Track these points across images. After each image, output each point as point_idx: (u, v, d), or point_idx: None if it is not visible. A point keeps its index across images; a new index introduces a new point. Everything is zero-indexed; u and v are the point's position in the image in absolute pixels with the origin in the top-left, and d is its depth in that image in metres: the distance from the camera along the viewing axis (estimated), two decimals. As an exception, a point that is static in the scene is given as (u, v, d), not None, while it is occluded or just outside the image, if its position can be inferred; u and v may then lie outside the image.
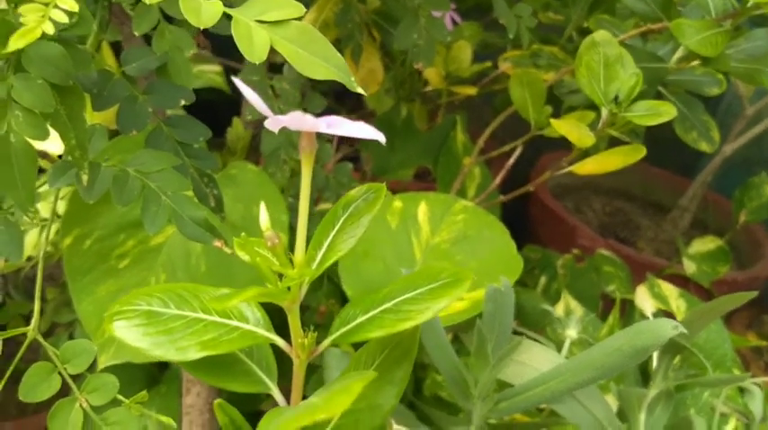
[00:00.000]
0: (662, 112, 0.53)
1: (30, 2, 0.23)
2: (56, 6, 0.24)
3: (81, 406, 0.37)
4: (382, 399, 0.33)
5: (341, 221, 0.32)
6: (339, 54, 0.28)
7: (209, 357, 0.30)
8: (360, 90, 0.29)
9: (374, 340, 0.34)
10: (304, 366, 0.33)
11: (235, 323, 0.32)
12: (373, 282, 0.55)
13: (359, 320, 0.31)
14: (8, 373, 0.40)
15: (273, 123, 0.27)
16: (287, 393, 0.35)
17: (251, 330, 0.32)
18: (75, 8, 0.24)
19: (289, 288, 0.29)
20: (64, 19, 0.24)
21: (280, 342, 0.32)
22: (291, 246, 0.46)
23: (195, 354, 0.30)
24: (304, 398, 0.35)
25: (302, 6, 0.28)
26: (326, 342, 0.32)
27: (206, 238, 0.38)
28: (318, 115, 0.61)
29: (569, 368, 0.48)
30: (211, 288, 0.33)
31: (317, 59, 0.28)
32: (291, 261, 0.30)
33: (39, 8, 0.23)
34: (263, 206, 0.29)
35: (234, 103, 0.76)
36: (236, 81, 0.27)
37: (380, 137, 0.26)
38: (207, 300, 0.32)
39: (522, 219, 1.12)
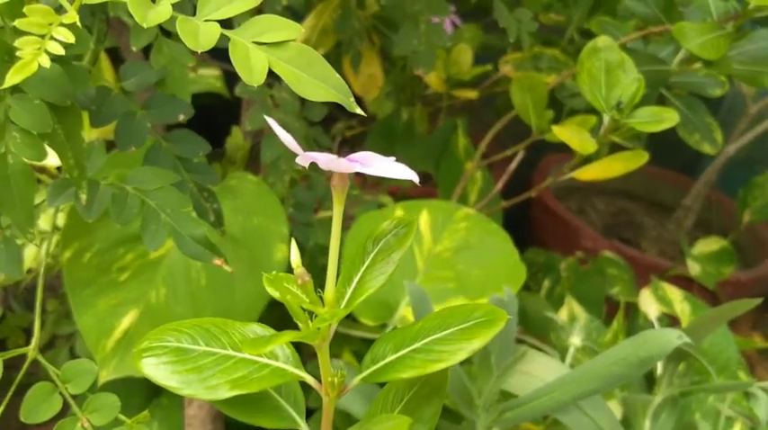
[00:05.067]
0: (664, 119, 0.52)
1: (26, 34, 0.23)
2: (52, 38, 0.23)
3: (83, 426, 0.37)
4: (413, 439, 0.32)
5: (370, 257, 0.32)
6: (338, 75, 0.28)
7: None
8: (359, 111, 0.28)
9: (403, 376, 0.33)
10: (333, 404, 0.32)
11: (265, 360, 0.31)
12: (375, 293, 0.55)
13: (389, 359, 0.30)
14: (11, 391, 0.40)
15: (305, 160, 0.26)
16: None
17: (281, 367, 0.31)
18: (72, 40, 0.23)
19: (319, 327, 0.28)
20: (60, 51, 0.23)
21: (310, 380, 0.32)
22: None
23: (225, 393, 0.29)
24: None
25: (300, 27, 0.28)
26: (356, 380, 0.31)
27: (206, 256, 0.38)
28: (319, 124, 0.60)
29: (574, 378, 0.47)
30: (240, 323, 0.32)
31: (317, 81, 0.27)
32: (321, 298, 0.29)
33: (35, 40, 0.23)
34: (293, 246, 0.29)
35: (232, 107, 0.75)
36: (270, 120, 0.26)
37: (414, 176, 0.26)
38: (237, 336, 0.31)
39: (524, 220, 1.12)
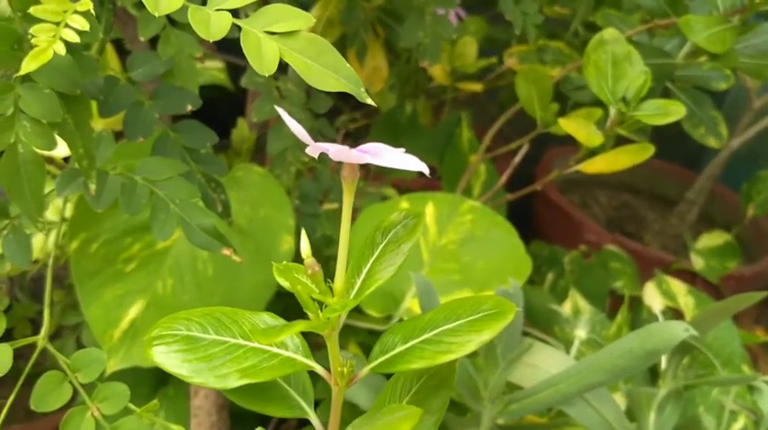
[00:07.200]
0: (671, 112, 0.52)
1: (41, 21, 0.23)
2: (66, 26, 0.23)
3: (93, 415, 0.37)
4: (421, 429, 0.32)
5: (380, 248, 0.32)
6: (349, 65, 0.28)
7: (246, 381, 0.30)
8: (370, 101, 0.28)
9: (411, 367, 0.33)
10: (342, 394, 0.32)
11: (275, 349, 0.31)
12: (381, 285, 0.55)
13: (398, 349, 0.30)
14: (21, 381, 0.40)
15: (314, 150, 0.26)
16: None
17: (291, 357, 0.31)
18: (86, 27, 0.23)
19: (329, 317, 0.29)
20: (75, 39, 0.23)
21: (319, 369, 0.32)
22: (297, 251, 0.46)
23: (235, 382, 0.29)
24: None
25: (311, 17, 0.28)
26: (365, 370, 0.31)
27: (215, 246, 0.38)
28: (324, 116, 0.60)
29: (579, 370, 0.47)
30: (249, 313, 0.32)
31: (328, 71, 0.28)
32: (331, 289, 0.29)
33: (50, 28, 0.23)
34: (304, 236, 0.29)
35: (237, 100, 0.75)
36: (280, 111, 0.26)
37: (424, 168, 0.26)
38: (246, 325, 0.32)
39: (527, 214, 1.12)
